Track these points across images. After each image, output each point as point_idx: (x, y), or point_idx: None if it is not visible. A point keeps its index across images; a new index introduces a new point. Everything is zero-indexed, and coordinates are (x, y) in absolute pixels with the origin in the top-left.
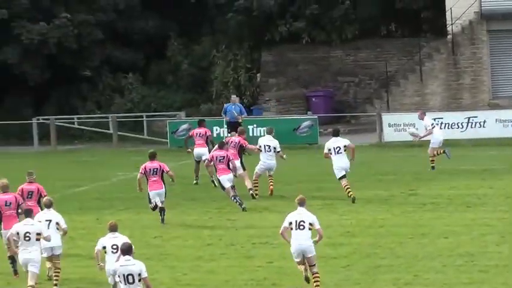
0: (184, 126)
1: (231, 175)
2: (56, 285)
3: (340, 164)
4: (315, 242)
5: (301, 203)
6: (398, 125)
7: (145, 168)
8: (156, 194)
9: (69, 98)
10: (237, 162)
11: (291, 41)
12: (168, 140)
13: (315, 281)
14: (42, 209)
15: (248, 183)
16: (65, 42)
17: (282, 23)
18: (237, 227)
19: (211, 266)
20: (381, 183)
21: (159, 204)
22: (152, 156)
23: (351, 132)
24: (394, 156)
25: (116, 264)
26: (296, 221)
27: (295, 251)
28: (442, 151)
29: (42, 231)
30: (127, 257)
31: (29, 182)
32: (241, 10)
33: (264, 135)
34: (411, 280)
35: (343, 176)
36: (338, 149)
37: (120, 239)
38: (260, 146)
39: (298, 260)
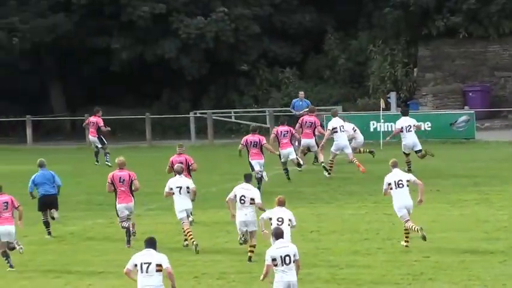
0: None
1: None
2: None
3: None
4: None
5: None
6: None
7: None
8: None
9: (226, 92)
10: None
11: (448, 36)
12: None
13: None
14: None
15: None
16: (222, 36)
17: (439, 18)
18: (393, 221)
19: (367, 260)
20: None
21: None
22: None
23: (507, 128)
24: None
25: None
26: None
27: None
28: None
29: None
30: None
31: (179, 154)
32: (398, 5)
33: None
34: None
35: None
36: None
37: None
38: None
39: None
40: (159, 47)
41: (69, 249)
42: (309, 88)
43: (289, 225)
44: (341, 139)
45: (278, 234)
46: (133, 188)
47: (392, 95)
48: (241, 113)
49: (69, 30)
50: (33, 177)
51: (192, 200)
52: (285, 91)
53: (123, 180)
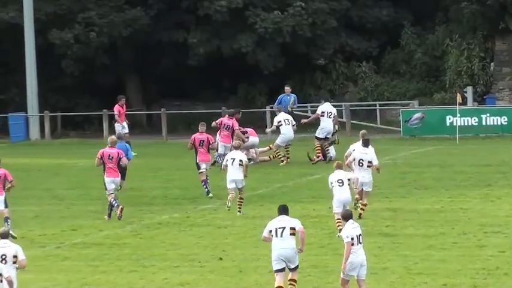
0: (418, 115)
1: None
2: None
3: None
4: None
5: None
6: None
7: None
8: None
9: (303, 87)
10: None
11: None
12: (401, 129)
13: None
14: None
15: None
16: (299, 30)
17: None
18: (469, 216)
19: (442, 254)
20: None
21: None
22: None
23: None
24: None
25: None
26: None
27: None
28: None
29: None
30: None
31: (200, 132)
32: None
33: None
34: None
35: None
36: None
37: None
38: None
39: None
40: (236, 41)
41: (144, 243)
42: (385, 82)
43: (349, 184)
44: (288, 132)
45: (347, 216)
46: (121, 165)
47: (469, 90)
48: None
49: (146, 25)
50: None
51: (245, 176)
52: (362, 85)
53: (112, 157)
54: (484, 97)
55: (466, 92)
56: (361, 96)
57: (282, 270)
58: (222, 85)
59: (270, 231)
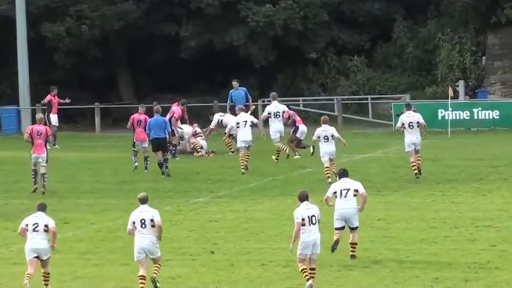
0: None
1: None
2: None
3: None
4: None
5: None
6: None
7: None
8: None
9: (294, 80)
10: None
11: None
12: (393, 123)
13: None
14: None
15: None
16: (290, 24)
17: (508, 6)
18: (461, 209)
19: (434, 248)
20: None
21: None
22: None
23: None
24: None
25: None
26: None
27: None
28: None
29: None
30: None
31: (140, 113)
32: None
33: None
34: None
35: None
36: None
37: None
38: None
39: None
40: (228, 34)
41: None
42: (377, 76)
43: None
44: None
45: (303, 197)
46: (47, 141)
47: (461, 83)
48: (310, 101)
49: (138, 18)
50: (149, 121)
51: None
52: (353, 79)
53: (41, 133)
54: (476, 91)
55: (457, 86)
56: (353, 90)
57: (342, 228)
58: (214, 78)
59: (335, 192)
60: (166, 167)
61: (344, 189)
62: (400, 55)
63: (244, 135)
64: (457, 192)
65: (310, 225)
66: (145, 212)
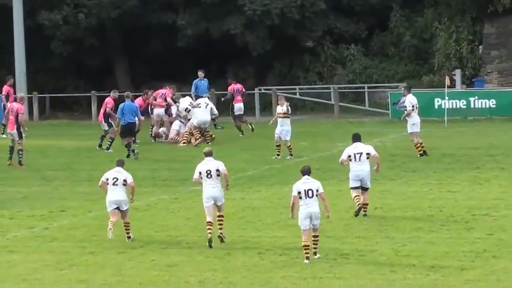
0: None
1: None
2: None
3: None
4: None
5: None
6: None
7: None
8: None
9: (291, 69)
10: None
11: None
12: (390, 111)
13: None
14: None
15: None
16: (287, 13)
17: None
18: (457, 198)
19: (430, 237)
20: None
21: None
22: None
23: None
24: None
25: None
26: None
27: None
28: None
29: None
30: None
31: (113, 98)
32: None
33: None
34: None
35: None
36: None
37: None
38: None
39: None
40: (225, 23)
41: (133, 225)
42: (374, 65)
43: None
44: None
45: (304, 171)
46: (19, 120)
47: (457, 72)
48: (306, 90)
49: (135, 6)
50: (121, 106)
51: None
52: (350, 68)
53: (13, 110)
54: (473, 80)
55: (454, 75)
56: (350, 79)
57: (358, 188)
58: (210, 67)
59: (349, 156)
60: (133, 150)
61: (357, 153)
62: (396, 44)
63: (203, 115)
64: (453, 181)
65: (306, 198)
66: (210, 163)
